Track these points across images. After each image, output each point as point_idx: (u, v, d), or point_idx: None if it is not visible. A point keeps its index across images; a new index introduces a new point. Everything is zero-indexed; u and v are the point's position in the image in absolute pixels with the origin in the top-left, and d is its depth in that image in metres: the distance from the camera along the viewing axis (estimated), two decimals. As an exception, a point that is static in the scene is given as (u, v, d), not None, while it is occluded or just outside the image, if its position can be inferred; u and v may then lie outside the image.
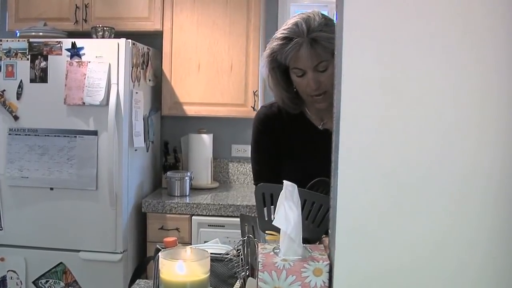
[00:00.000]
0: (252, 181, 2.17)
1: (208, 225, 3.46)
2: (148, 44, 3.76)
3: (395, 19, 1.08)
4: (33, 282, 3.39)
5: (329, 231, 1.25)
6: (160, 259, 1.24)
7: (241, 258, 1.46)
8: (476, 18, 1.04)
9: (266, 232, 1.44)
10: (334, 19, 1.53)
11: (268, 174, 2.05)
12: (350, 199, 1.11)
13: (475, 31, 1.04)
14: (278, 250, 1.23)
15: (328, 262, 1.18)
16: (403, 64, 1.08)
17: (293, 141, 2.01)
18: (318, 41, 1.79)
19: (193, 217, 3.49)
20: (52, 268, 3.37)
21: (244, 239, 1.45)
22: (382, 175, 1.10)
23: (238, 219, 3.27)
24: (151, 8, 3.76)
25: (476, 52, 1.05)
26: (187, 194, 3.73)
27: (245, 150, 4.18)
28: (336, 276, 1.13)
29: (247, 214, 1.64)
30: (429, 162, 1.08)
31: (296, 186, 1.24)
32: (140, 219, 3.59)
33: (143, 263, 1.79)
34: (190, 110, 3.85)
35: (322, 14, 1.86)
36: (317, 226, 1.43)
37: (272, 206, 1.44)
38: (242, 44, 3.76)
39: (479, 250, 1.07)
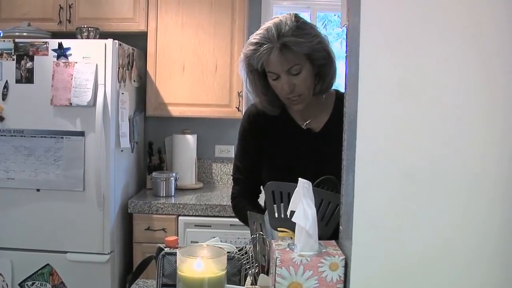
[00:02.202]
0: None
1: (195, 225, 3.48)
2: (132, 45, 3.75)
3: (410, 20, 1.12)
4: (19, 285, 3.35)
5: (341, 227, 1.28)
6: (179, 257, 1.26)
7: (251, 255, 1.49)
8: (491, 20, 1.09)
9: (278, 229, 1.46)
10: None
11: (248, 168, 2.11)
12: (367, 196, 1.15)
13: (490, 33, 1.09)
14: (293, 246, 1.26)
15: (344, 257, 1.21)
16: (418, 64, 1.13)
17: (278, 140, 2.04)
18: (288, 46, 1.80)
19: (179, 218, 3.50)
20: (39, 270, 3.34)
21: (255, 236, 1.47)
22: (397, 172, 1.14)
23: (225, 219, 3.37)
24: (135, 9, 3.75)
25: (489, 54, 1.10)
26: (173, 194, 3.74)
27: (229, 150, 4.20)
28: (353, 270, 1.17)
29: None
30: (443, 160, 1.13)
31: (311, 183, 1.28)
32: (126, 220, 3.59)
33: (144, 262, 1.80)
34: (175, 111, 3.85)
35: (296, 17, 1.86)
36: (325, 224, 1.46)
37: (282, 204, 1.47)
38: (227, 45, 3.79)
39: (491, 244, 1.12)
